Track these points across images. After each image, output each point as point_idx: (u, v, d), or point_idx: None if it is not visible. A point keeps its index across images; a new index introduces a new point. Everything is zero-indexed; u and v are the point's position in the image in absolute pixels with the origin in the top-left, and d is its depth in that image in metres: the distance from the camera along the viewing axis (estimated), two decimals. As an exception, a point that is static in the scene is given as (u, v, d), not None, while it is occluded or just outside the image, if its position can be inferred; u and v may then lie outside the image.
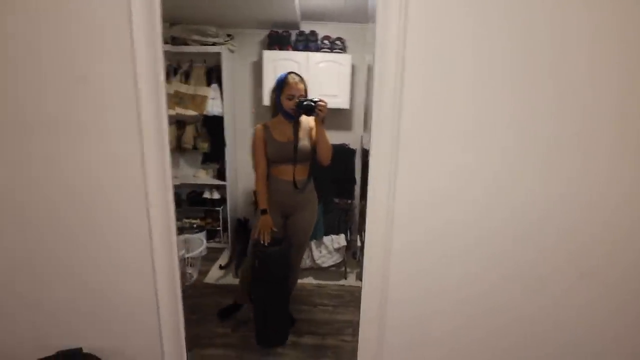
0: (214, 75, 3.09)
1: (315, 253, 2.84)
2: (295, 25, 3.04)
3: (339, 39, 3.04)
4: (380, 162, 1.05)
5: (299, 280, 2.73)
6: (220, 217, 3.30)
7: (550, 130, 1.02)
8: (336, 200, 3.07)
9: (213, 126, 3.18)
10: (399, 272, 1.13)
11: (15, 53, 1.02)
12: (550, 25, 0.96)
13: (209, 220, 3.34)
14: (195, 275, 2.75)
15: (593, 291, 1.12)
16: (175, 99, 3.04)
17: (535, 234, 1.09)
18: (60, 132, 1.07)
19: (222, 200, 3.33)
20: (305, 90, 1.86)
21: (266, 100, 3.04)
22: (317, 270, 2.91)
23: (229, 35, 3.08)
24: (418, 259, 1.12)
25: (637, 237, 1.08)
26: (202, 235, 3.08)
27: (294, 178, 1.92)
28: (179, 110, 3.05)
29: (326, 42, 3.02)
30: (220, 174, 3.30)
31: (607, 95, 0.99)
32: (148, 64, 1.01)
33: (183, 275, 2.58)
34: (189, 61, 3.10)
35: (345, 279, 2.87)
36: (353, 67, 3.06)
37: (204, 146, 3.25)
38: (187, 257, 2.67)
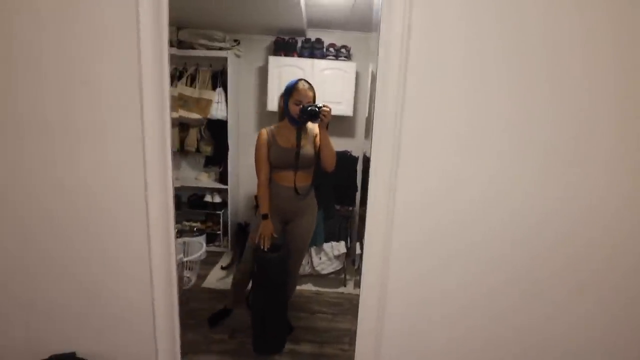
0: (219, 80, 3.11)
1: (315, 260, 2.83)
2: (302, 33, 3.06)
3: (344, 47, 3.05)
4: (380, 168, 1.05)
5: (298, 287, 2.71)
6: (221, 220, 3.29)
7: (548, 134, 1.02)
8: (337, 207, 3.06)
9: (217, 130, 3.19)
10: (398, 279, 1.12)
11: (21, 55, 1.03)
12: (545, 29, 0.96)
13: (210, 224, 3.34)
14: (193, 279, 2.74)
15: (592, 296, 1.11)
16: (179, 101, 3.06)
17: (534, 238, 1.08)
18: (62, 134, 1.07)
19: (223, 204, 3.32)
20: (314, 98, 1.87)
21: (270, 105, 3.05)
22: (317, 277, 2.89)
23: (235, 41, 3.10)
24: (416, 266, 1.12)
25: (635, 241, 1.07)
26: (201, 239, 3.07)
27: (294, 184, 1.91)
28: (183, 113, 3.07)
29: (331, 49, 3.03)
30: (222, 178, 3.31)
31: (603, 98, 0.99)
32: (154, 68, 1.02)
33: (181, 279, 2.57)
34: (195, 65, 3.13)
35: (345, 286, 2.85)
36: (357, 75, 3.08)
37: (207, 149, 3.26)
38: (186, 261, 2.66)
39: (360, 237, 3.05)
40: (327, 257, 2.83)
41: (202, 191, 3.37)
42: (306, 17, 2.79)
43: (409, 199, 1.07)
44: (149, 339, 1.19)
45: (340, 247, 2.82)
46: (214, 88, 3.11)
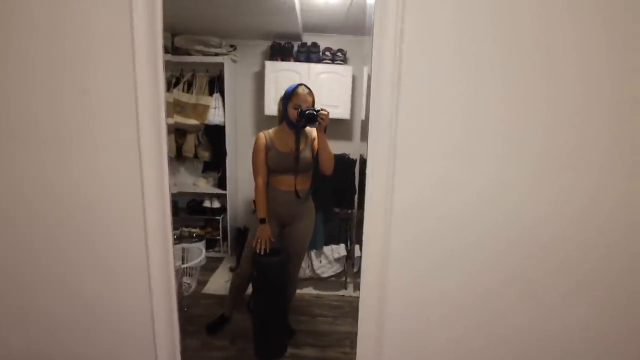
0: (216, 85, 3.12)
1: (315, 263, 2.82)
2: (298, 37, 3.08)
3: (340, 50, 3.07)
4: (377, 170, 1.05)
5: (299, 290, 2.70)
6: (220, 226, 3.29)
7: (542, 137, 1.02)
8: (336, 209, 3.06)
9: (214, 135, 3.19)
10: (396, 280, 1.12)
11: (16, 62, 1.03)
12: (539, 33, 0.97)
13: (209, 230, 3.33)
14: (193, 285, 2.73)
15: (587, 296, 1.12)
16: (176, 107, 3.06)
17: (529, 239, 1.08)
18: (56, 142, 1.07)
19: (222, 209, 3.32)
20: (313, 103, 1.88)
21: (267, 110, 3.06)
22: (317, 281, 2.89)
23: (231, 46, 3.11)
24: (415, 267, 1.12)
25: (629, 241, 1.08)
26: (201, 245, 3.06)
27: (295, 188, 1.91)
28: (181, 119, 3.07)
29: (328, 53, 3.05)
30: (221, 183, 3.31)
31: (597, 101, 1.00)
32: (149, 75, 1.02)
33: (180, 285, 2.56)
34: (192, 71, 3.14)
35: (345, 289, 2.85)
36: (354, 78, 3.09)
37: (205, 155, 3.26)
38: (186, 267, 2.65)
39: (359, 240, 3.05)
40: (327, 260, 2.83)
41: (200, 197, 3.37)
42: (302, 22, 2.80)
43: (405, 201, 1.07)
44: (149, 347, 1.19)
45: (340, 249, 2.82)
46: (210, 94, 3.12)
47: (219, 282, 2.89)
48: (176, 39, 3.00)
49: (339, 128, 3.25)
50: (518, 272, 1.11)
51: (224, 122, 3.12)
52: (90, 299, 1.17)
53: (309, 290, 2.81)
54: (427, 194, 1.07)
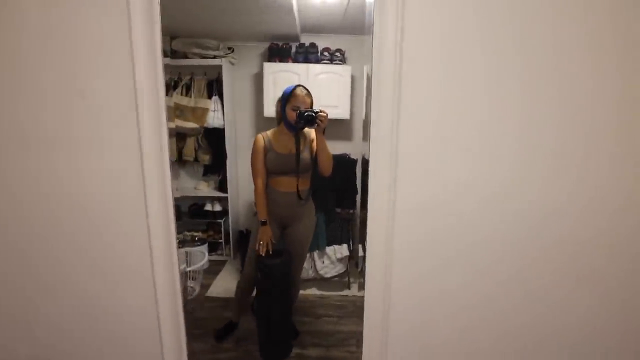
0: (215, 88, 3.12)
1: (318, 263, 2.82)
2: (295, 38, 3.08)
3: (339, 50, 3.07)
4: (379, 170, 1.05)
5: (302, 291, 2.71)
6: (222, 229, 3.29)
7: (549, 135, 1.02)
8: (338, 210, 3.06)
9: (214, 138, 3.19)
10: (401, 279, 1.12)
11: (14, 67, 1.03)
12: (548, 31, 0.97)
13: (211, 233, 3.33)
14: (197, 289, 2.73)
15: (592, 295, 1.12)
16: (175, 111, 3.06)
17: (535, 238, 1.08)
18: (58, 146, 1.07)
19: (224, 213, 3.32)
20: (312, 105, 1.87)
21: (266, 111, 3.06)
22: (320, 281, 2.89)
23: (229, 48, 3.11)
24: (419, 266, 1.12)
25: (635, 241, 1.08)
26: (203, 248, 3.06)
27: (295, 189, 1.91)
28: (180, 123, 3.07)
29: (326, 53, 3.05)
30: (222, 186, 3.31)
31: (605, 102, 1.00)
32: (148, 78, 1.02)
33: (184, 289, 2.56)
34: (190, 74, 3.14)
35: (349, 289, 2.85)
36: (353, 78, 3.09)
37: (205, 158, 3.26)
38: (189, 271, 2.65)
39: (363, 240, 3.05)
40: (329, 260, 2.83)
41: (202, 200, 3.37)
42: (299, 23, 2.80)
43: (409, 201, 1.07)
44: (156, 351, 1.19)
45: (342, 250, 2.82)
46: (209, 96, 3.12)
47: (223, 285, 2.88)
48: (173, 42, 3.00)
49: (339, 128, 3.25)
50: (522, 271, 1.10)
51: (224, 125, 3.11)
52: (95, 304, 1.17)
53: (312, 291, 2.81)
54: (430, 194, 1.07)
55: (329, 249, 2.81)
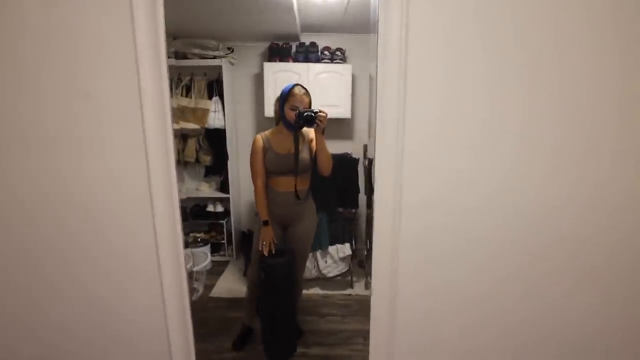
0: (215, 88, 3.12)
1: (321, 263, 2.83)
2: (296, 37, 3.08)
3: (339, 49, 3.07)
4: (385, 168, 1.06)
5: (306, 291, 2.71)
6: (225, 230, 3.29)
7: (552, 133, 1.03)
8: (340, 209, 3.07)
9: (215, 139, 3.19)
10: (407, 274, 1.13)
11: (19, 68, 1.03)
12: (551, 28, 0.97)
13: (213, 234, 3.33)
14: (201, 290, 2.73)
15: (595, 291, 1.12)
16: (177, 112, 3.06)
17: (538, 234, 1.09)
18: (64, 148, 1.06)
19: (226, 213, 3.32)
20: (310, 104, 1.87)
21: (267, 111, 3.06)
22: (323, 280, 2.89)
23: (229, 49, 3.11)
24: (424, 261, 1.12)
25: (637, 238, 1.08)
26: (206, 249, 3.07)
27: (294, 189, 1.91)
28: (181, 124, 3.07)
29: (326, 53, 3.05)
30: (223, 187, 3.31)
31: (607, 99, 1.00)
32: (153, 79, 1.02)
33: (190, 290, 2.56)
34: (190, 74, 3.13)
35: (352, 287, 2.85)
36: (353, 77, 3.09)
37: (206, 159, 3.26)
38: (193, 271, 2.65)
39: (370, 237, 3.06)
40: (332, 259, 2.83)
41: (204, 201, 3.37)
42: (300, 22, 2.80)
43: (414, 197, 1.07)
44: (163, 347, 1.19)
45: (345, 249, 2.82)
46: (210, 97, 3.11)
47: (226, 286, 2.89)
48: (173, 43, 3.00)
49: (340, 127, 3.25)
50: (526, 266, 1.11)
51: (224, 126, 3.11)
52: (100, 304, 1.17)
53: (315, 291, 2.81)
54: (433, 191, 1.07)
55: (332, 249, 2.82)
